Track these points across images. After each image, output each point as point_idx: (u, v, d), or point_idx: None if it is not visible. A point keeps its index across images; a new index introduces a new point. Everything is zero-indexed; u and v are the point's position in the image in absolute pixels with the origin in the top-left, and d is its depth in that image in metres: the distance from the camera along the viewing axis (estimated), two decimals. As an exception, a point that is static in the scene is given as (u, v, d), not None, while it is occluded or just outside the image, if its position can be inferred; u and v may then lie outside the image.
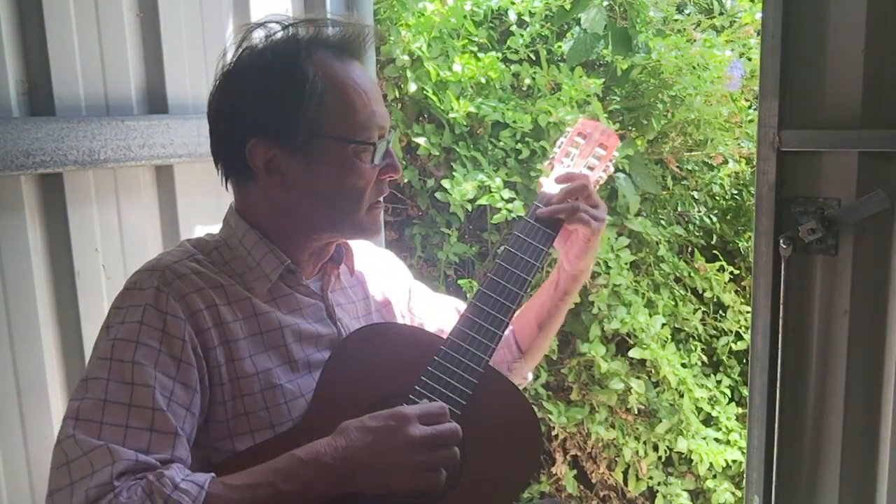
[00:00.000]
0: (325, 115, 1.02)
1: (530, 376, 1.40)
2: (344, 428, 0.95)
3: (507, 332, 1.24)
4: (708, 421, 2.64)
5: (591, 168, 1.32)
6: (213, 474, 0.90)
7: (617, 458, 2.58)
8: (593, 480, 2.64)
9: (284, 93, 1.01)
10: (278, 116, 1.01)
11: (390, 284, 1.30)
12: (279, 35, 1.04)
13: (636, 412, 2.52)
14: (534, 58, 2.67)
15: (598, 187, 1.34)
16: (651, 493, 2.62)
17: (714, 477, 2.56)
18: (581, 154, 1.32)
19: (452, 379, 1.05)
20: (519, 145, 2.47)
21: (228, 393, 1.00)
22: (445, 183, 2.38)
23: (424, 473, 0.94)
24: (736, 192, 3.05)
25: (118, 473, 0.87)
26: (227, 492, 0.89)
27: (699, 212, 2.96)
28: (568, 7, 2.57)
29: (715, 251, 2.88)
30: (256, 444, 1.00)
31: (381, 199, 1.11)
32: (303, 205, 1.06)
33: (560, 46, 2.70)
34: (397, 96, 2.43)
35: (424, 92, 2.40)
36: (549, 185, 1.26)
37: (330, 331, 1.12)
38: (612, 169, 1.34)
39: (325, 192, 1.05)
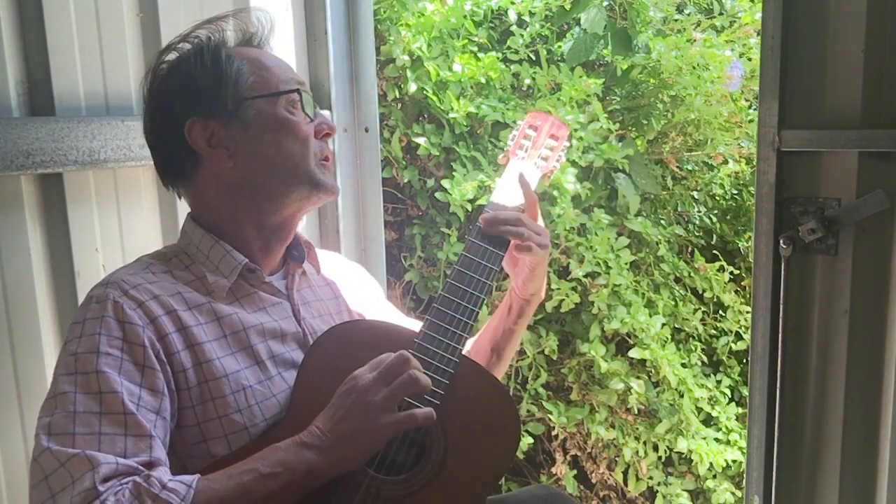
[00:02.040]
0: (244, 82, 1.10)
1: None
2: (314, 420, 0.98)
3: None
4: (708, 421, 2.64)
5: (544, 159, 1.35)
6: (199, 475, 0.90)
7: (617, 458, 2.58)
8: (593, 480, 2.64)
9: (204, 74, 1.09)
10: (204, 95, 1.09)
11: (362, 293, 1.32)
12: (188, 46, 1.13)
13: (636, 412, 2.52)
14: (534, 58, 2.67)
15: (552, 176, 1.38)
16: (651, 493, 2.62)
17: (714, 477, 2.56)
18: (534, 146, 1.35)
19: (428, 370, 1.06)
20: (519, 145, 2.47)
21: (197, 397, 1.00)
22: (445, 183, 2.38)
23: (395, 414, 0.95)
24: (736, 192, 3.05)
25: (101, 479, 0.86)
26: (212, 485, 0.89)
27: (699, 212, 2.96)
28: (568, 7, 2.57)
29: (715, 251, 2.88)
30: (236, 449, 1.00)
31: (328, 159, 1.15)
32: (253, 171, 1.09)
33: (560, 46, 2.69)
34: (397, 96, 2.42)
35: (424, 92, 2.40)
36: (506, 185, 1.29)
37: (295, 330, 1.12)
38: (563, 159, 1.38)
39: (269, 152, 1.09)
